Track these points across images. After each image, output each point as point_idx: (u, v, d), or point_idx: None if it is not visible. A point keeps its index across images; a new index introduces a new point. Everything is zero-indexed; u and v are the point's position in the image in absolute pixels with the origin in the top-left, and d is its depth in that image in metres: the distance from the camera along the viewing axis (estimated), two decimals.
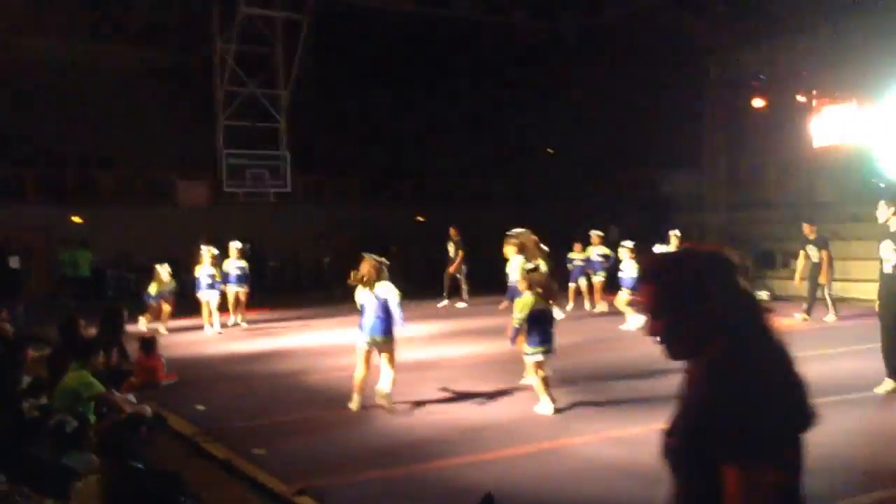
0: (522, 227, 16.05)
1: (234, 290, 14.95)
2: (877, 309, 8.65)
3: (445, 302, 17.96)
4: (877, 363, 9.86)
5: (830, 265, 14.71)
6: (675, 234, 14.76)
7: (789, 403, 1.96)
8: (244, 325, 14.97)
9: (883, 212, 8.57)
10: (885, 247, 8.35)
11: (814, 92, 19.81)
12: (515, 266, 9.26)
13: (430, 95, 25.84)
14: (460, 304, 17.76)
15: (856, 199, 19.68)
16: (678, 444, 1.98)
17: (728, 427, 1.87)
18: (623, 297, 13.92)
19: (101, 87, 21.72)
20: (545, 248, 9.92)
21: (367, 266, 7.93)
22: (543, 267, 9.13)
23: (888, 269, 8.31)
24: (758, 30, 20.06)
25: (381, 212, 25.67)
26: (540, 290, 7.82)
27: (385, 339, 7.89)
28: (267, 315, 15.58)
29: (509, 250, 9.51)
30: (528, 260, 9.08)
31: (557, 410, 7.71)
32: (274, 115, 23.04)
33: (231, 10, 20.95)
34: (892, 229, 8.35)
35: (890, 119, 18.33)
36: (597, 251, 16.46)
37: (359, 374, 7.91)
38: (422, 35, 24.67)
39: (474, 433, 7.01)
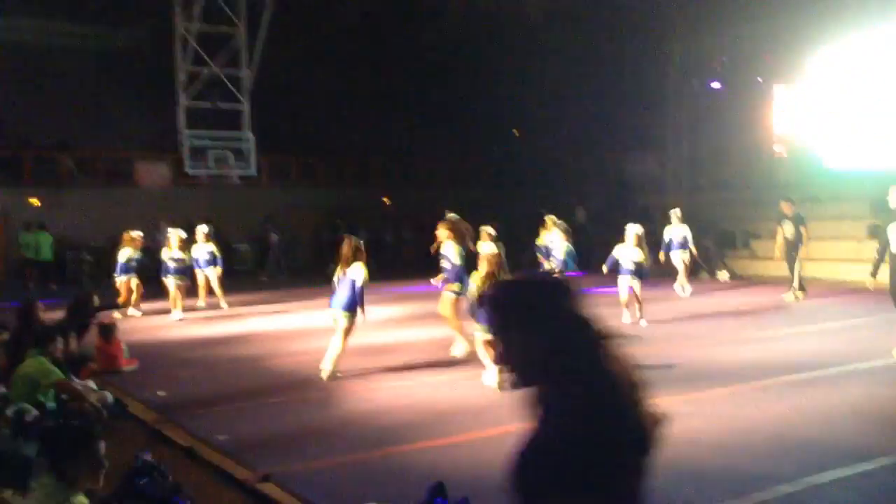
0: (490, 208, 16.51)
1: (204, 274, 14.88)
2: (870, 286, 9.62)
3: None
4: (837, 343, 10.09)
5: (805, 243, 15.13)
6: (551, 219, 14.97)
7: (617, 433, 1.96)
8: (225, 306, 14.85)
9: (893, 197, 9.16)
10: (894, 229, 8.95)
11: (772, 76, 20.05)
12: (451, 250, 9.76)
13: (395, 75, 25.69)
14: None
15: (814, 181, 20.03)
16: (513, 472, 1.97)
17: (548, 463, 1.90)
18: None
19: (59, 66, 21.29)
20: (474, 236, 10.79)
21: (345, 246, 8.52)
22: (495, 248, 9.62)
23: None
24: (720, 14, 20.19)
25: (349, 193, 25.56)
26: (498, 270, 8.13)
27: (344, 313, 8.39)
28: (230, 298, 15.44)
29: (442, 234, 9.94)
30: (459, 245, 9.68)
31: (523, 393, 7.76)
32: (237, 95, 22.73)
33: None
34: None
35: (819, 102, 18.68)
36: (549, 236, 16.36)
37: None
38: (387, 14, 24.49)
39: (441, 416, 7.03)
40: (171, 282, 14.01)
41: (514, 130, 28.27)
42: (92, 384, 7.70)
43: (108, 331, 9.43)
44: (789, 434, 6.28)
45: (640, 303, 11.91)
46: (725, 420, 6.68)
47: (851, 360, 8.98)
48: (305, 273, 21.34)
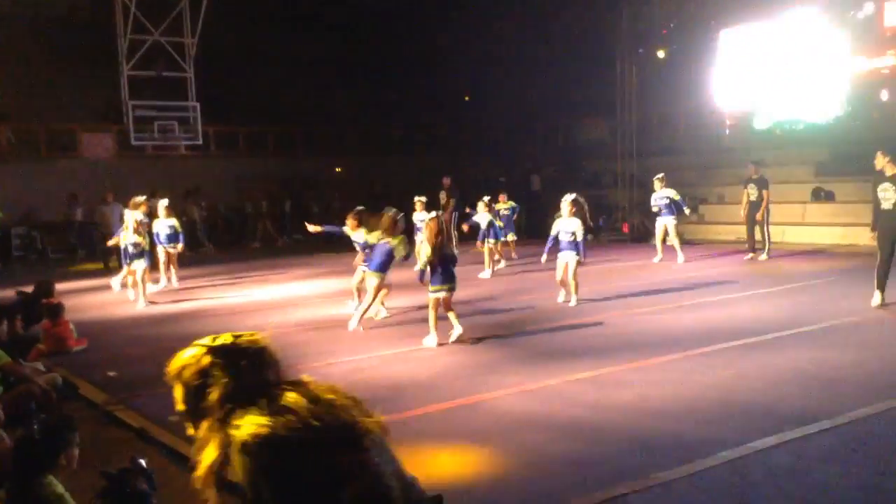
0: (443, 175, 16.79)
1: (165, 251, 14.35)
2: (874, 240, 10.36)
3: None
4: (781, 306, 10.37)
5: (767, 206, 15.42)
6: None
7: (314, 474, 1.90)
8: (175, 284, 14.52)
9: (879, 161, 10.09)
10: (884, 188, 10.00)
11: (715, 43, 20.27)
12: (361, 235, 10.72)
13: (346, 42, 25.36)
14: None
15: (759, 146, 20.36)
16: None
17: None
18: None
19: None
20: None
21: (386, 218, 9.88)
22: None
23: (888, 206, 9.96)
24: None
25: (298, 162, 25.31)
26: (437, 236, 8.81)
27: (377, 273, 9.79)
28: (182, 273, 15.26)
29: (351, 223, 10.91)
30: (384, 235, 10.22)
31: (476, 365, 7.90)
32: (182, 64, 22.23)
33: None
34: (887, 174, 9.96)
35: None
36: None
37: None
38: None
39: (392, 391, 7.08)
40: (133, 266, 12.59)
41: (465, 97, 28.20)
42: (40, 366, 7.58)
43: (54, 311, 9.27)
44: (733, 399, 6.46)
45: (575, 281, 11.07)
46: (671, 387, 6.84)
47: (795, 324, 9.23)
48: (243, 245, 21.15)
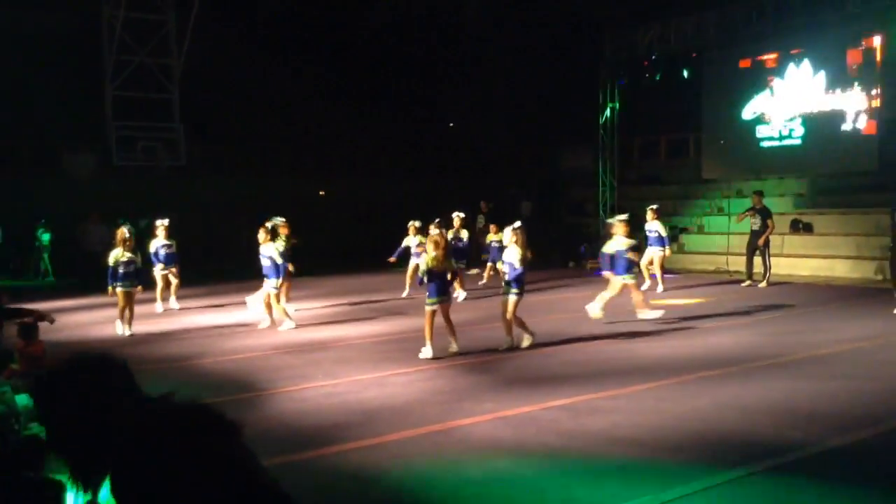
0: (426, 200, 16.96)
1: (163, 272, 13.92)
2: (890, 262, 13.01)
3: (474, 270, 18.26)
4: (759, 337, 10.43)
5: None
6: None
7: None
8: (176, 306, 14.16)
9: None
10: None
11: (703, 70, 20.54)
12: (272, 250, 11.68)
13: (331, 66, 25.47)
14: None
15: (740, 176, 20.59)
16: None
17: None
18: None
19: None
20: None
21: (440, 238, 9.88)
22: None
23: None
24: (650, 9, 20.56)
25: (282, 184, 25.27)
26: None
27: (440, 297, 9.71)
28: (151, 294, 15.13)
29: (262, 236, 11.81)
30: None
31: (452, 390, 7.90)
32: (166, 85, 22.25)
33: None
34: None
35: None
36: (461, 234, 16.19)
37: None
38: (322, 3, 24.28)
39: (368, 416, 7.06)
40: (121, 289, 11.56)
41: (450, 123, 28.36)
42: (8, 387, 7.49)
43: (28, 331, 9.17)
44: (706, 429, 6.48)
45: (505, 321, 10.04)
46: (645, 416, 6.86)
47: (770, 355, 9.30)
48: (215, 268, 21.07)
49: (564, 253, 21.85)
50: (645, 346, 10.14)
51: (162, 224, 14.02)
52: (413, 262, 14.86)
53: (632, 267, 11.80)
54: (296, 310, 12.93)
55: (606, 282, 12.00)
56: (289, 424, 6.91)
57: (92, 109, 21.81)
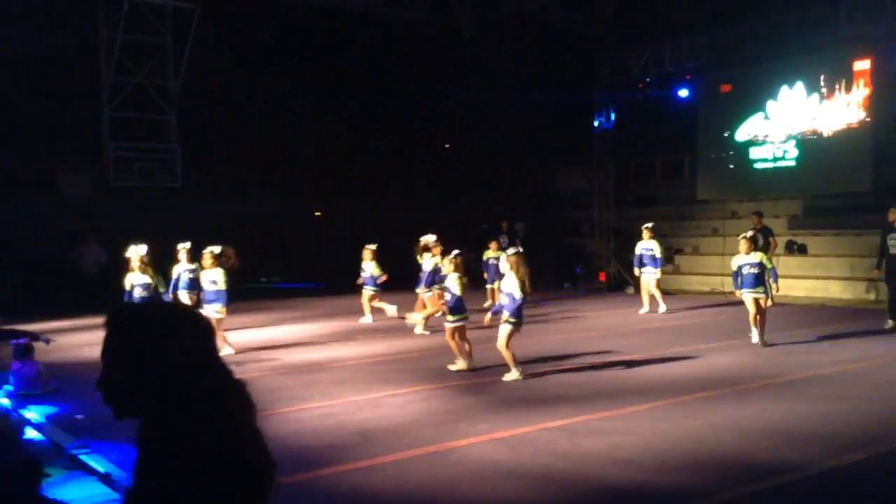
0: (422, 221, 16.97)
1: (185, 299, 12.89)
2: (876, 275, 13.66)
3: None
4: (754, 358, 10.45)
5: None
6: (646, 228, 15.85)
7: (232, 469, 1.89)
8: None
9: (891, 215, 12.75)
10: (893, 237, 12.70)
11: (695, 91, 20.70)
12: (219, 275, 11.51)
13: (326, 88, 25.60)
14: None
15: (734, 198, 20.69)
16: None
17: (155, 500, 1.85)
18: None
19: None
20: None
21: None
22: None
23: (894, 252, 12.67)
24: (644, 32, 20.73)
25: (280, 205, 25.29)
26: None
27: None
28: None
29: (207, 262, 11.62)
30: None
31: (447, 411, 7.89)
32: (163, 106, 22.32)
33: None
34: None
35: None
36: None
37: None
38: (318, 24, 24.41)
39: (362, 437, 7.04)
40: None
41: (446, 144, 28.49)
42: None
43: (23, 352, 9.16)
44: (703, 450, 6.47)
45: (453, 342, 10.12)
46: (642, 437, 6.85)
47: (766, 376, 9.32)
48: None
49: (560, 273, 21.90)
50: (642, 366, 10.13)
51: (184, 248, 13.28)
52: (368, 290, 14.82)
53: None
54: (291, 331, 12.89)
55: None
56: (285, 446, 6.87)
57: (89, 130, 21.86)
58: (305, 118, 25.30)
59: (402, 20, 23.04)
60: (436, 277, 13.32)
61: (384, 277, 14.83)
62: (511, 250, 9.78)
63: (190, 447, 1.85)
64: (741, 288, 11.51)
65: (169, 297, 12.17)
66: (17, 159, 21.92)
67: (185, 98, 22.43)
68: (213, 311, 11.24)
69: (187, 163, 22.68)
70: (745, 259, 11.41)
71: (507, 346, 9.39)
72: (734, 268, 11.74)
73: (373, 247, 15.00)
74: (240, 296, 18.86)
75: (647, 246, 15.67)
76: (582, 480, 5.87)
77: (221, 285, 11.44)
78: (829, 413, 7.59)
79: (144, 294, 11.56)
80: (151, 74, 21.95)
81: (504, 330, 9.40)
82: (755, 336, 11.43)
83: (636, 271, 16.09)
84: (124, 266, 12.13)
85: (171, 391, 1.89)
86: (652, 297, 15.63)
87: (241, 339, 13.21)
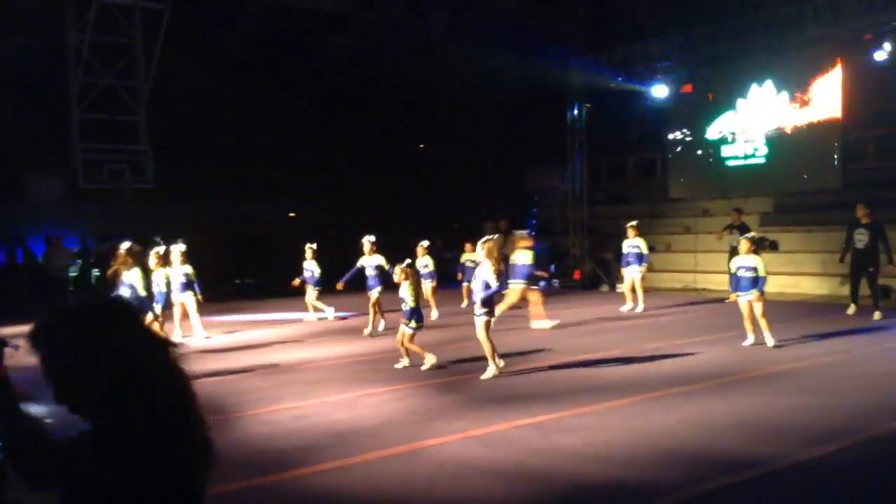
0: (396, 222, 16.86)
1: (182, 301, 12.89)
2: (842, 266, 14.37)
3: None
4: (725, 353, 10.54)
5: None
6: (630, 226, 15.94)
7: (182, 448, 1.99)
8: (203, 335, 13.13)
9: (859, 211, 13.59)
10: (859, 232, 13.55)
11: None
12: (166, 275, 12.00)
13: (298, 88, 25.48)
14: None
15: (706, 196, 20.86)
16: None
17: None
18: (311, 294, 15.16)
19: None
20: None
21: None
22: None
23: (860, 246, 13.53)
24: (616, 32, 20.86)
25: (252, 207, 25.15)
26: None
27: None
28: None
29: (154, 262, 11.91)
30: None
31: (424, 410, 7.87)
32: (133, 107, 22.08)
33: None
34: (863, 222, 13.50)
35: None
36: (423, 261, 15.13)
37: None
38: (289, 26, 24.30)
39: (338, 438, 7.00)
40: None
41: (420, 145, 28.47)
42: None
43: None
44: (676, 445, 6.51)
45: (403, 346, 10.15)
46: (615, 433, 6.88)
47: (738, 371, 9.40)
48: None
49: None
50: (616, 364, 10.18)
51: (179, 249, 12.94)
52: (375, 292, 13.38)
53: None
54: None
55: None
56: (255, 448, 6.83)
57: (58, 132, 21.59)
58: (278, 118, 25.16)
59: (375, 20, 22.97)
60: (532, 268, 13.52)
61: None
62: (485, 238, 9.76)
63: (143, 433, 1.91)
64: (735, 290, 11.26)
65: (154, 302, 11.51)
66: None
67: (155, 99, 22.22)
68: (156, 311, 11.39)
69: (158, 163, 22.48)
70: (742, 261, 11.03)
71: (487, 336, 9.38)
72: (732, 269, 11.55)
73: (314, 246, 15.14)
74: (214, 297, 18.77)
75: (633, 243, 15.71)
76: (555, 476, 5.88)
77: (164, 287, 11.89)
78: (800, 406, 7.67)
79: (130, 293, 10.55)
80: (121, 75, 21.71)
81: (480, 322, 9.40)
82: (750, 338, 11.05)
83: (622, 270, 16.16)
84: (106, 263, 11.92)
85: (116, 383, 1.93)
86: (634, 293, 15.71)
87: (215, 341, 13.11)
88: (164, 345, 2.05)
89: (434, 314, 15.00)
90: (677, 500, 5.27)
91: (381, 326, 13.57)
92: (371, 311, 13.36)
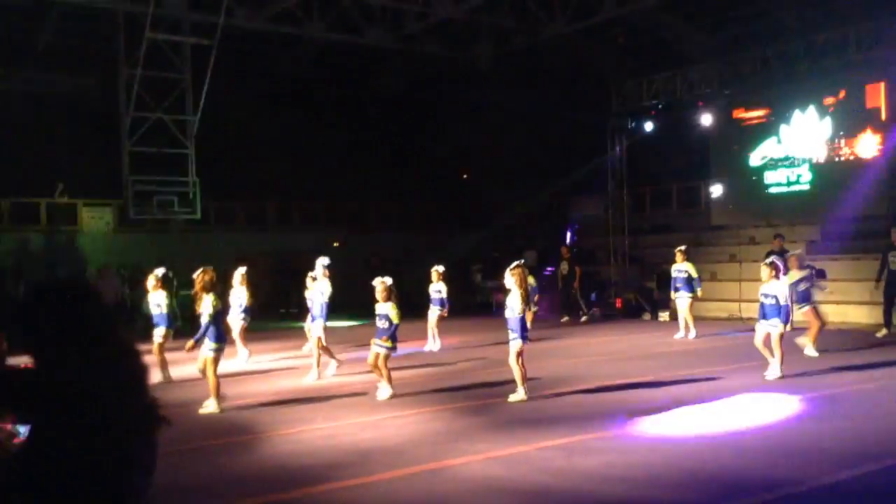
0: (441, 251, 16.78)
1: (233, 323, 13.19)
2: (877, 289, 14.94)
3: (584, 317, 19.72)
4: (754, 381, 10.37)
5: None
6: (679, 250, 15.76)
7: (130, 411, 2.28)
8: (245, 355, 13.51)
9: (894, 235, 14.23)
10: (893, 254, 14.19)
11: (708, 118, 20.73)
12: (161, 298, 11.78)
13: (344, 120, 25.95)
14: (583, 319, 19.46)
15: (751, 223, 20.58)
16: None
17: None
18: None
19: (1, 110, 21.12)
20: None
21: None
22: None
23: (895, 268, 14.07)
24: (656, 60, 20.87)
25: (297, 237, 25.56)
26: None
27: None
28: (169, 344, 15.22)
29: (153, 283, 11.91)
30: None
31: (447, 432, 7.89)
32: (182, 140, 22.72)
33: (137, 35, 20.63)
34: None
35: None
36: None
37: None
38: (337, 59, 24.79)
39: (360, 456, 7.06)
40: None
41: (464, 175, 28.69)
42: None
43: None
44: (700, 467, 6.42)
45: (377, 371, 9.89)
46: (639, 455, 6.81)
47: (773, 396, 9.22)
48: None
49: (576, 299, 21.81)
50: (647, 388, 10.07)
51: (240, 272, 13.41)
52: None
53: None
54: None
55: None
56: (282, 464, 6.93)
57: (109, 165, 22.29)
58: (322, 149, 25.60)
59: (418, 53, 23.31)
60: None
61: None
62: (514, 264, 9.54)
63: (80, 370, 2.19)
64: (761, 318, 10.61)
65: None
66: (40, 194, 22.41)
67: (203, 132, 22.82)
68: (158, 335, 11.61)
69: (206, 195, 23.03)
70: (763, 288, 10.66)
71: (518, 362, 9.31)
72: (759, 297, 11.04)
73: (440, 269, 14.71)
74: (257, 326, 19.03)
75: (681, 268, 15.41)
76: (575, 497, 5.85)
77: (165, 308, 11.76)
78: (829, 431, 7.50)
79: (158, 311, 11.82)
80: (170, 109, 22.39)
81: (513, 347, 9.32)
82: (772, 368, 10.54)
83: (672, 295, 15.93)
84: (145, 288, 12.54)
85: (69, 333, 2.23)
86: (685, 320, 15.45)
87: (250, 365, 13.29)
88: (119, 321, 2.37)
89: (436, 345, 14.59)
90: None
91: (437, 346, 14.47)
92: (432, 331, 14.52)
